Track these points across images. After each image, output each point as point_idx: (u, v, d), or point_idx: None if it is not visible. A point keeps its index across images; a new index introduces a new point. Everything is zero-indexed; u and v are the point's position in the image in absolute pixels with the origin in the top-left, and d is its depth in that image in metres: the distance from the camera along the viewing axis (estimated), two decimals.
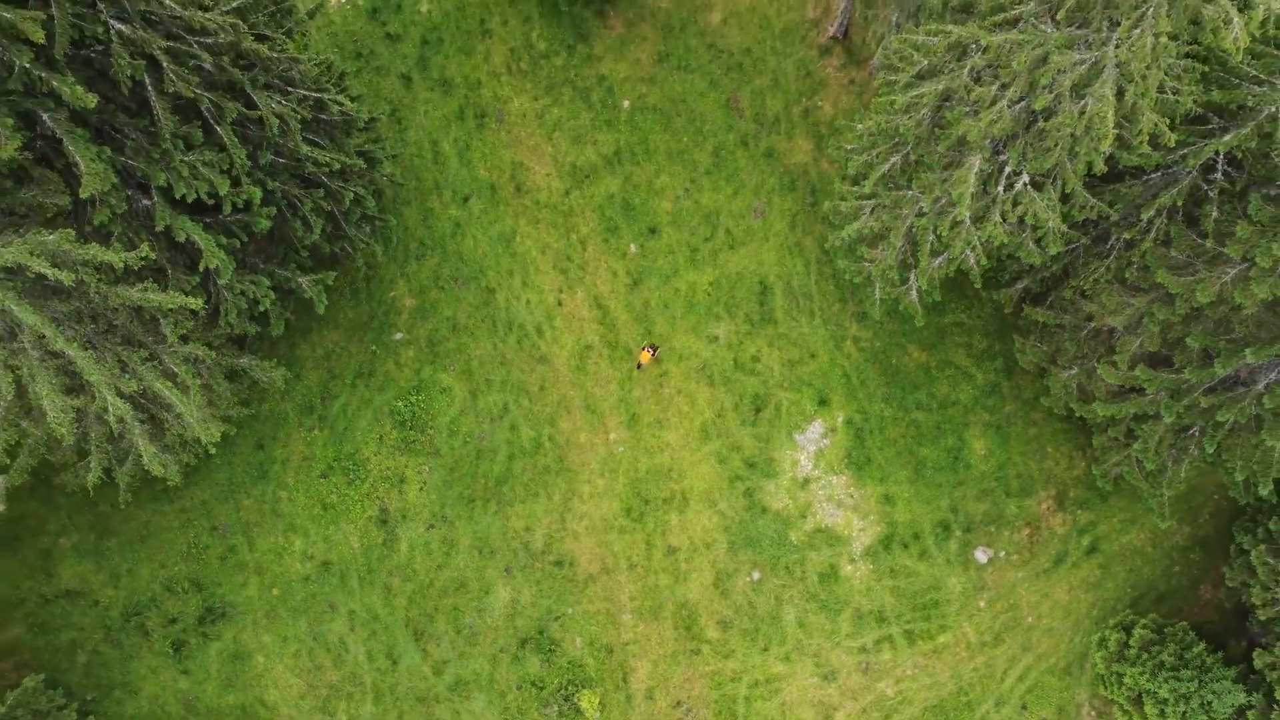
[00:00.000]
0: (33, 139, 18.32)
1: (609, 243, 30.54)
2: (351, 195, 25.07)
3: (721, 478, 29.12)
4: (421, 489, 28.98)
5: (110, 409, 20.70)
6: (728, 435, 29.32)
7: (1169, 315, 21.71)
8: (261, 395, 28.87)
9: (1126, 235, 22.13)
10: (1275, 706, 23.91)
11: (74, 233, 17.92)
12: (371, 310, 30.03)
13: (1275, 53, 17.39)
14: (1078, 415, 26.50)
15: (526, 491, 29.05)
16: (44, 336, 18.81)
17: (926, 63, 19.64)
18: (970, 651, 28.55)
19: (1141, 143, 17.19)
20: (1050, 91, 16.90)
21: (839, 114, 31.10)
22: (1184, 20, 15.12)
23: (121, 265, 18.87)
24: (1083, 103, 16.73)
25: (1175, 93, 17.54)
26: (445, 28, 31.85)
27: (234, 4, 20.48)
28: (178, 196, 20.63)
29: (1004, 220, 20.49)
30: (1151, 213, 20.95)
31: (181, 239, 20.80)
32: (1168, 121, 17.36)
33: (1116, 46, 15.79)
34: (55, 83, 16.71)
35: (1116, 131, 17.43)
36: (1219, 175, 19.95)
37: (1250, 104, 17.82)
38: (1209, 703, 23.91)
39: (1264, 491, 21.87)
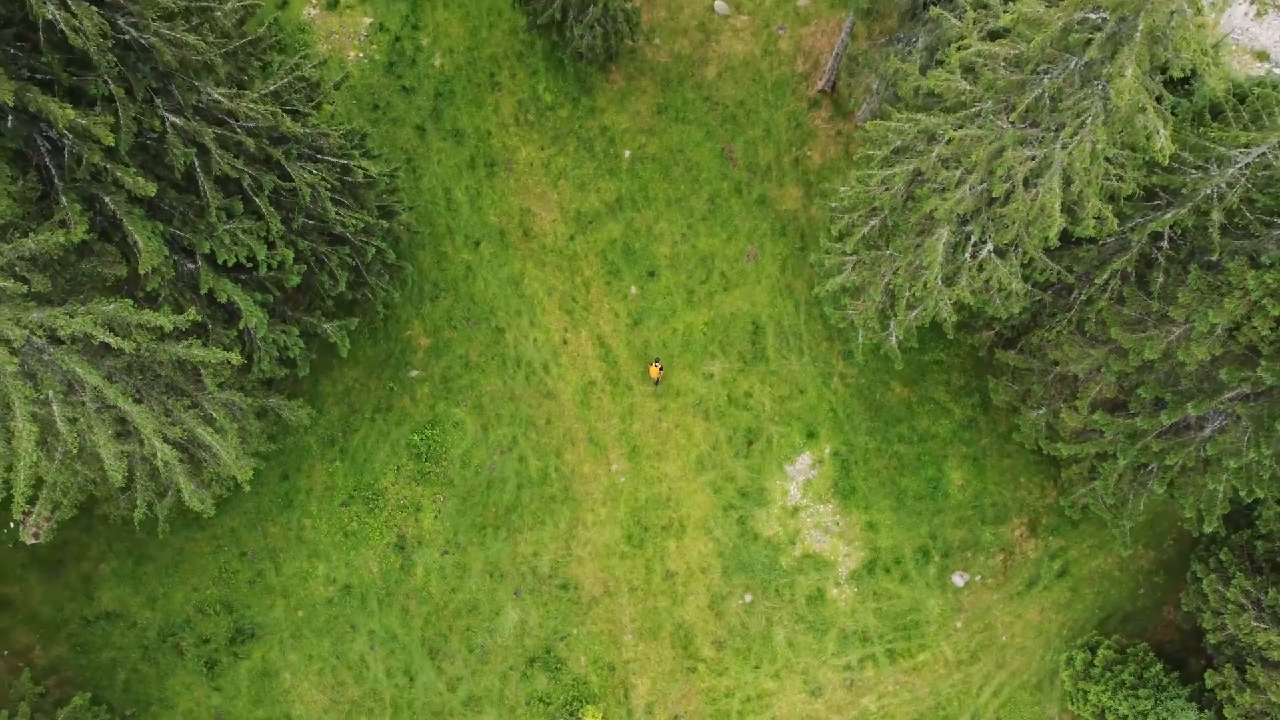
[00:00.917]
0: (94, 217, 20.34)
1: (611, 285, 32.59)
2: (374, 250, 27.13)
3: (716, 506, 31.17)
4: (436, 517, 31.03)
5: (158, 454, 22.74)
6: (722, 466, 31.38)
7: (1124, 366, 23.77)
8: (287, 429, 30.91)
9: (1085, 293, 24.19)
10: None
11: (131, 302, 19.95)
12: (389, 349, 32.08)
13: (1207, 144, 19.43)
14: (1046, 452, 28.53)
15: (534, 519, 31.10)
16: (103, 394, 20.83)
17: (900, 142, 21.69)
18: (948, 669, 30.59)
19: (1089, 225, 19.24)
20: (1006, 180, 18.95)
21: (826, 163, 33.17)
22: (1118, 128, 17.16)
23: (171, 327, 20.92)
24: (1034, 191, 18.79)
25: (1119, 178, 19.60)
26: (457, 81, 33.91)
27: (271, 87, 22.55)
28: (219, 261, 22.68)
29: (971, 284, 22.52)
30: (1106, 275, 23.03)
31: (223, 299, 22.86)
32: (1111, 207, 19.39)
33: (1063, 147, 17.85)
34: (119, 173, 18.75)
35: (1065, 215, 19.52)
36: (1165, 244, 22.01)
37: (1187, 188, 19.87)
38: (1164, 719, 25.96)
39: (1208, 528, 23.90)
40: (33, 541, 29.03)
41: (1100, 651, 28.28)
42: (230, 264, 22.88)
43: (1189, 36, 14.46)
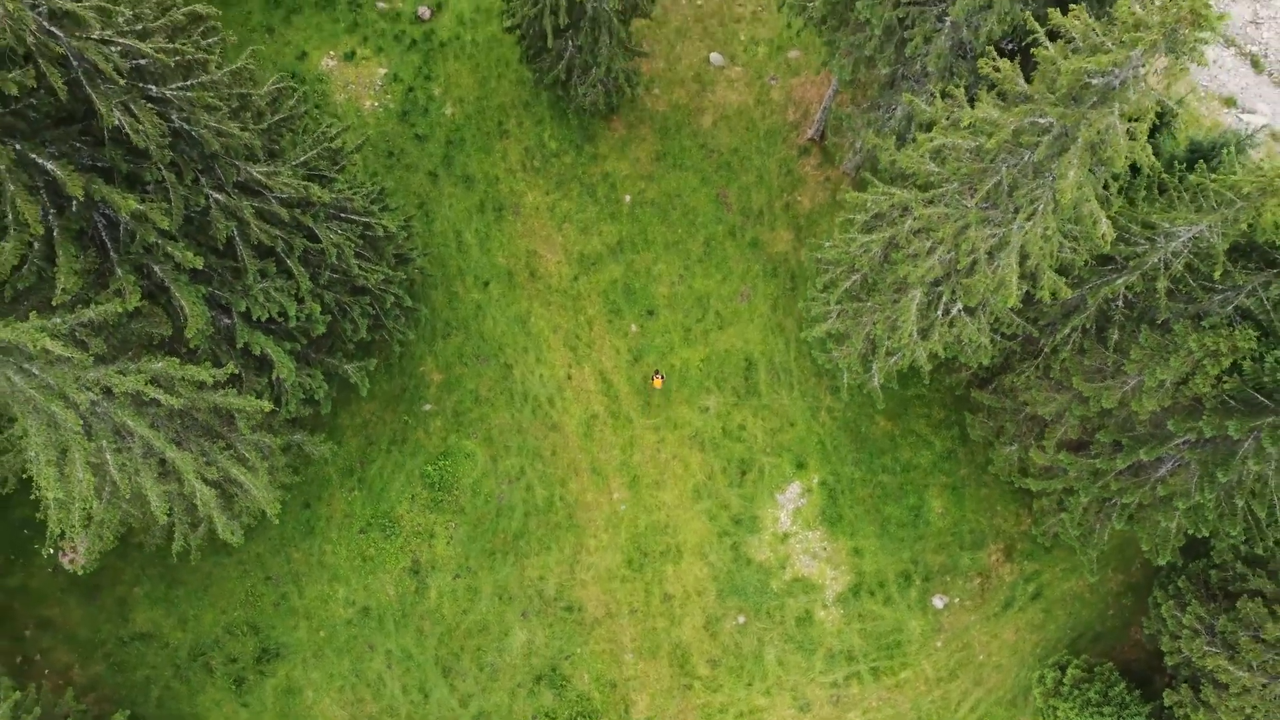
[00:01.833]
0: (144, 284, 22.37)
1: (612, 323, 34.63)
2: (391, 298, 29.19)
3: (711, 533, 33.22)
4: (449, 543, 33.08)
5: (198, 494, 24.77)
6: (717, 495, 33.43)
7: (1085, 411, 25.81)
8: (308, 461, 32.94)
9: (1050, 343, 26.23)
10: None
11: (178, 360, 21.97)
12: (403, 384, 34.13)
13: (1153, 221, 21.46)
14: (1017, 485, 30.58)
15: (540, 545, 33.15)
16: (150, 443, 22.87)
17: (878, 210, 23.74)
18: (928, 686, 32.64)
19: (1045, 294, 21.28)
20: (970, 254, 20.99)
21: (815, 208, 35.24)
22: (1066, 215, 19.20)
23: (211, 380, 22.95)
24: (995, 264, 20.84)
25: (1074, 250, 21.63)
26: (467, 129, 35.97)
27: (301, 158, 24.61)
28: (253, 317, 24.73)
29: (943, 338, 24.57)
30: (1068, 330, 25.08)
31: (257, 351, 24.90)
32: (1066, 278, 21.43)
33: (1019, 228, 19.89)
34: (170, 248, 20.78)
35: (1026, 281, 21.58)
36: (1120, 304, 24.05)
37: (1135, 259, 21.92)
38: None
39: (1162, 561, 25.97)
40: (71, 568, 31.08)
41: (1069, 670, 30.32)
42: (263, 319, 24.92)
43: (1120, 148, 16.48)
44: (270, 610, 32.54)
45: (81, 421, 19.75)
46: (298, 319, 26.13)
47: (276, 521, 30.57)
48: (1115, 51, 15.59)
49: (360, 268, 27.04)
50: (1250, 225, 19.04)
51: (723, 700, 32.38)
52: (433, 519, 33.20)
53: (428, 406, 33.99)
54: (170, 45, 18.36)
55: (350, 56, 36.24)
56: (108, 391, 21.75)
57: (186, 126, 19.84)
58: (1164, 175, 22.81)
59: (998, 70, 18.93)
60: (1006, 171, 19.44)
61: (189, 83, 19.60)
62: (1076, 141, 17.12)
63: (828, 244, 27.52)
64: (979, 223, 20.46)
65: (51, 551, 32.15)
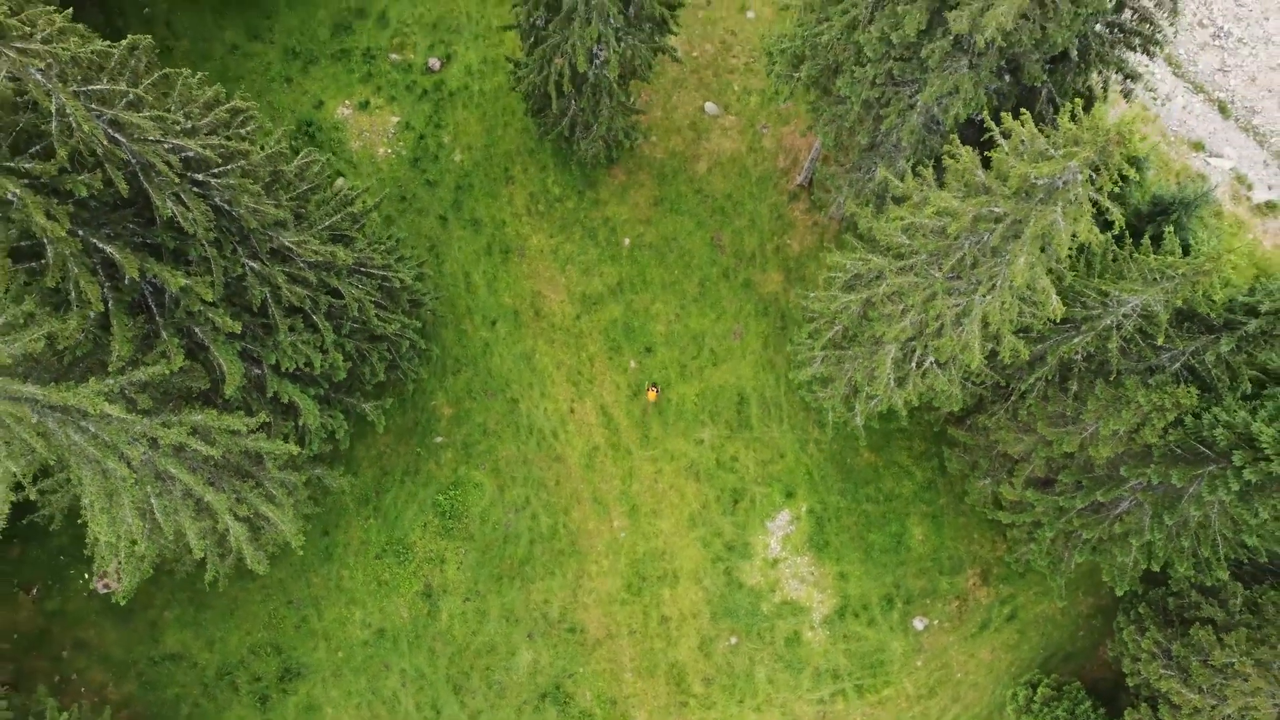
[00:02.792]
0: (185, 343, 24.48)
1: (613, 360, 36.76)
2: (407, 343, 31.32)
3: (706, 559, 35.35)
4: (459, 568, 35.21)
5: (230, 530, 26.90)
6: (711, 523, 35.56)
7: (1050, 453, 27.94)
8: (327, 492, 35.07)
9: (1018, 390, 28.35)
10: None
11: (216, 412, 24.08)
12: (416, 418, 36.26)
13: (1106, 288, 23.57)
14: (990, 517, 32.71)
15: (545, 570, 35.28)
16: (191, 488, 24.99)
17: (856, 272, 25.86)
18: (909, 702, 34.78)
19: (1006, 355, 23.40)
20: (938, 320, 23.12)
21: (804, 251, 37.37)
22: (1021, 291, 21.32)
23: (245, 430, 25.07)
24: (960, 329, 22.96)
25: (1034, 315, 23.76)
26: (475, 175, 38.09)
27: (326, 223, 26.72)
28: (282, 368, 26.85)
29: (917, 387, 26.69)
30: (1033, 379, 27.20)
31: (285, 399, 27.03)
32: (1025, 340, 23.54)
33: (981, 298, 22.01)
34: (211, 314, 22.91)
35: (991, 342, 23.69)
36: (1079, 357, 26.17)
37: (1089, 322, 24.04)
38: None
39: (1121, 591, 28.10)
40: (111, 596, 33.21)
41: (1039, 689, 32.46)
42: (291, 369, 27.03)
43: (1062, 241, 18.61)
44: (292, 632, 34.68)
45: (132, 471, 21.84)
46: (322, 367, 28.24)
47: (300, 552, 32.73)
48: (1056, 161, 17.71)
49: (379, 318, 29.15)
50: (1185, 300, 21.14)
51: (716, 716, 34.52)
52: (444, 545, 35.32)
53: (439, 439, 36.10)
54: (215, 140, 20.46)
55: (365, 105, 38.34)
56: (153, 442, 23.90)
57: (227, 207, 21.95)
58: (1114, 248, 24.93)
59: (955, 159, 21.05)
60: (969, 249, 21.55)
61: (230, 167, 21.71)
62: (1025, 231, 19.24)
63: (812, 295, 29.64)
64: (945, 292, 22.58)
65: (87, 577, 34.31)
